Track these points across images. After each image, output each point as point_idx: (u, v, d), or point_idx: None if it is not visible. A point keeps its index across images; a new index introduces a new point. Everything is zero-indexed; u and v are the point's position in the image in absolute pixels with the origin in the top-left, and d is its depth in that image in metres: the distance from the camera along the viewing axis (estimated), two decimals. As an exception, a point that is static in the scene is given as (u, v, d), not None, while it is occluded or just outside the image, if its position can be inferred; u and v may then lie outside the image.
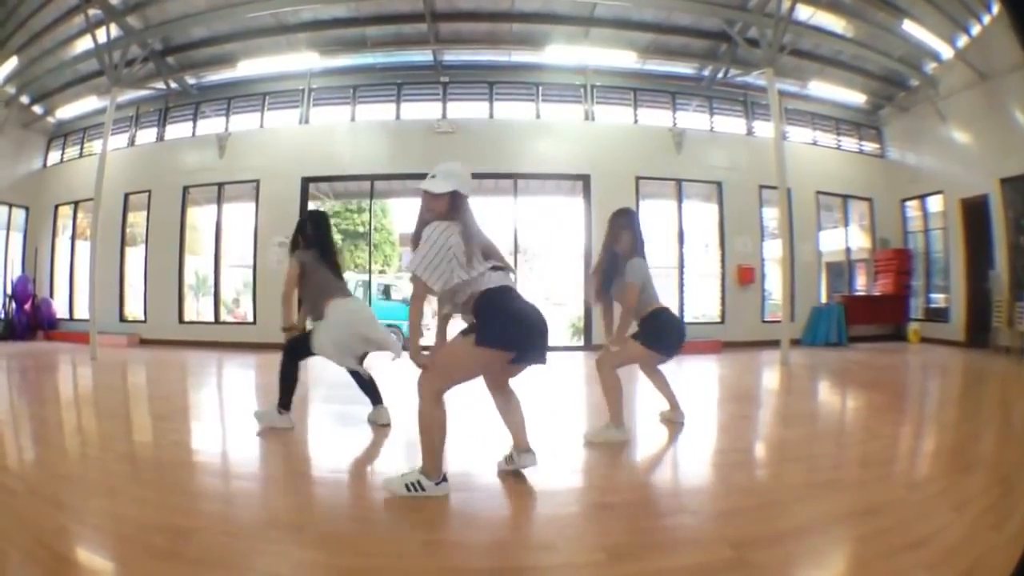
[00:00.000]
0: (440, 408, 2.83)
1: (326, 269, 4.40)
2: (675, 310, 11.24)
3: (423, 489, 2.82)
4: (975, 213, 10.54)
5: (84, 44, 10.56)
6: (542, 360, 2.99)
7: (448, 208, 2.88)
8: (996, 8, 9.12)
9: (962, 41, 10.24)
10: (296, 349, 4.40)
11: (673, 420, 4.58)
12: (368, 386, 4.55)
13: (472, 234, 2.85)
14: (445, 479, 2.87)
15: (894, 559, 2.18)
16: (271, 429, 4.33)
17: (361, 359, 4.52)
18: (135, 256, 12.40)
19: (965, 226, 10.91)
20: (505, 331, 2.79)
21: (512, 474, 3.19)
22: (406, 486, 2.83)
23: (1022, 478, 3.20)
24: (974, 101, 10.48)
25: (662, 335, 4.30)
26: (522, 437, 3.16)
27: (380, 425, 4.43)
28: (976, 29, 9.91)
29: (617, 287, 4.26)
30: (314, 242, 4.45)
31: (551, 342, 3.03)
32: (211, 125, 12.41)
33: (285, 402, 4.39)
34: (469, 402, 3.74)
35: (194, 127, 12.55)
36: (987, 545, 2.29)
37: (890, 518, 2.59)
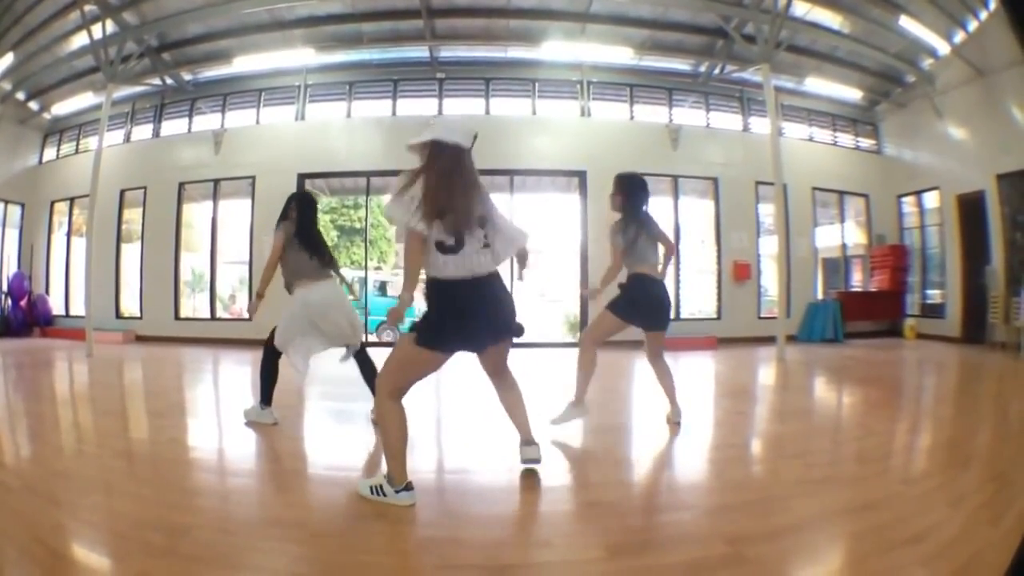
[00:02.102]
0: (394, 407, 2.72)
1: (303, 248, 4.32)
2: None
3: (384, 495, 2.71)
4: (971, 209, 10.57)
5: (80, 40, 10.50)
6: (502, 338, 2.89)
7: (426, 159, 2.77)
8: (993, 4, 9.13)
9: (959, 37, 10.23)
10: (275, 346, 4.41)
11: (669, 419, 4.45)
12: (368, 374, 4.41)
13: (437, 185, 2.67)
14: (409, 487, 2.70)
15: (891, 554, 2.18)
16: (258, 424, 4.36)
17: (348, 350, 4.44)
18: (131, 253, 12.37)
19: (961, 222, 10.94)
20: (441, 332, 2.68)
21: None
22: (370, 488, 2.76)
23: (1018, 474, 3.21)
24: (971, 97, 10.49)
25: (631, 303, 4.31)
26: (525, 429, 3.13)
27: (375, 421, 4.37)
28: (973, 25, 9.91)
29: None
30: (295, 220, 4.40)
31: (516, 316, 2.88)
32: (207, 121, 12.38)
33: (266, 397, 4.42)
34: (468, 402, 3.74)
35: (190, 123, 12.52)
36: (984, 541, 2.30)
37: (886, 513, 2.59)
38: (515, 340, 2.93)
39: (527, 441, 3.12)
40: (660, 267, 4.44)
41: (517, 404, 3.14)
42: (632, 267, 4.35)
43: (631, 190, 4.42)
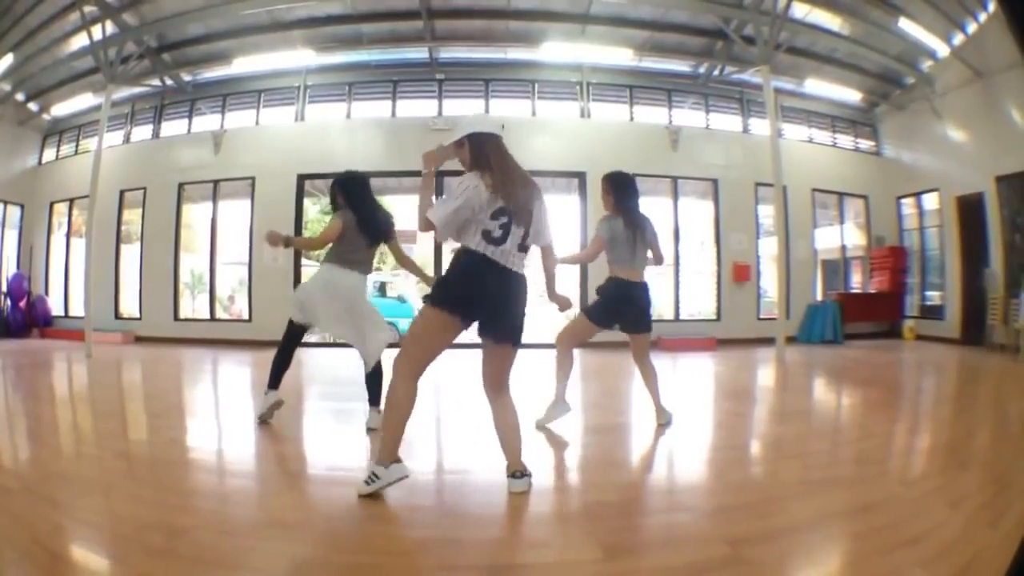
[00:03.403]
0: (406, 388, 2.75)
1: (359, 235, 4.19)
2: (669, 306, 11.42)
3: (378, 478, 2.74)
4: (971, 211, 10.58)
5: (80, 41, 10.51)
6: (503, 337, 2.85)
7: (472, 155, 2.81)
8: (992, 6, 9.14)
9: (958, 39, 10.25)
10: (294, 334, 4.38)
11: (657, 422, 4.37)
12: (373, 380, 4.24)
13: (496, 175, 2.73)
14: (398, 460, 2.76)
15: (890, 556, 2.18)
16: (266, 417, 4.36)
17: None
18: (130, 253, 12.38)
19: (961, 224, 10.95)
20: (451, 292, 2.72)
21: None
22: (365, 480, 2.78)
23: (1018, 475, 3.21)
24: (970, 99, 10.50)
25: (608, 310, 4.33)
26: (513, 458, 2.93)
27: (371, 429, 4.11)
28: (972, 27, 9.93)
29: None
30: (350, 205, 4.26)
31: (524, 327, 2.90)
32: (207, 122, 12.38)
33: (274, 381, 4.38)
34: (467, 402, 3.73)
35: (189, 124, 12.52)
36: (983, 542, 2.29)
37: (886, 515, 2.59)
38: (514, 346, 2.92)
39: (515, 473, 2.90)
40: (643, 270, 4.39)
41: (511, 430, 2.95)
42: (614, 269, 4.32)
43: (620, 188, 4.41)
